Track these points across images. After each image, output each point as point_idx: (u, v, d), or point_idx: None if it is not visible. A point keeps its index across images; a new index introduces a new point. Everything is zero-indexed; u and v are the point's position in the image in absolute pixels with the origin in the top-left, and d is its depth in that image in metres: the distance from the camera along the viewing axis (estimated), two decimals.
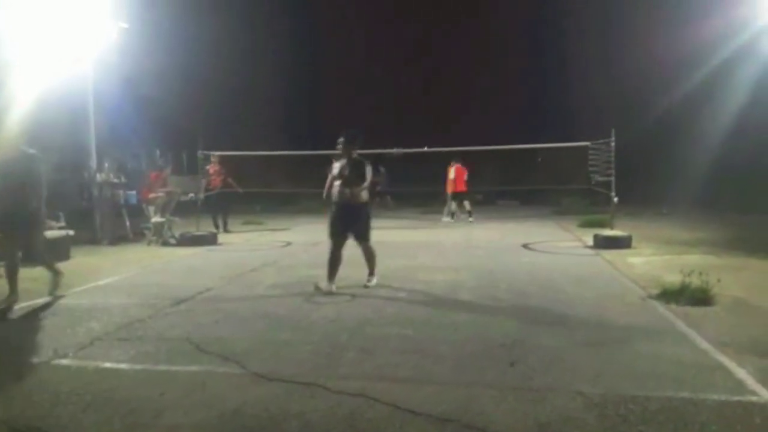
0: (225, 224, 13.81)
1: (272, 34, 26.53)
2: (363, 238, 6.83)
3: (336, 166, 6.79)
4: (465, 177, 16.42)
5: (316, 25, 31.18)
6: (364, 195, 6.67)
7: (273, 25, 26.47)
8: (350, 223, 6.69)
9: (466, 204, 16.50)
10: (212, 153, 13.56)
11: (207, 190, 13.25)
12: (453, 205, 16.61)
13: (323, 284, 6.57)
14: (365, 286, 6.76)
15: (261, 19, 26.33)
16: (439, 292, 6.64)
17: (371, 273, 6.93)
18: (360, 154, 6.76)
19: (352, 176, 6.57)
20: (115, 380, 3.93)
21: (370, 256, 6.91)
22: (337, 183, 6.66)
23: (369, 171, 6.70)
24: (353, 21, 30.52)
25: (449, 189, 16.53)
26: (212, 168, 13.61)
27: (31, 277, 7.91)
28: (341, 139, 6.72)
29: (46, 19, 10.45)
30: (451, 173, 16.36)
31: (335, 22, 30.75)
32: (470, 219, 16.15)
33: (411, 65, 31.11)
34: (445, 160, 16.74)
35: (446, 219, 16.47)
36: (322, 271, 7.97)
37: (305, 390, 3.64)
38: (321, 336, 4.88)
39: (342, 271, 8.06)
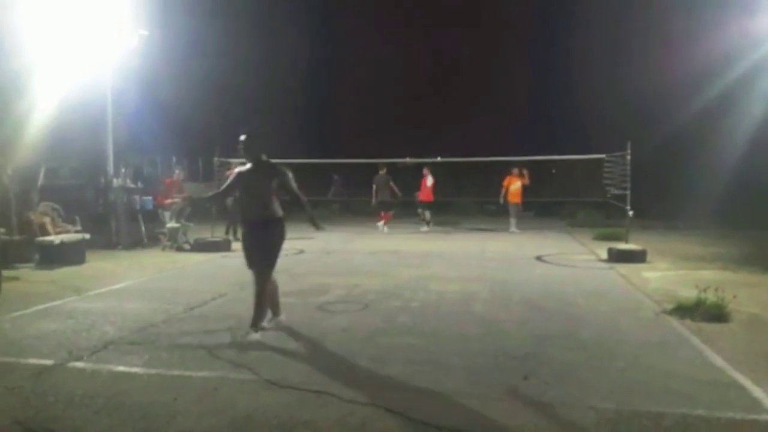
0: (235, 231, 13.69)
1: (287, 43, 26.73)
2: (266, 262, 5.15)
3: (239, 173, 5.33)
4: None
5: (331, 34, 31.42)
6: (278, 210, 5.20)
7: (288, 35, 26.67)
8: (259, 243, 5.14)
9: (428, 214, 16.52)
10: (230, 160, 13.60)
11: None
12: (425, 213, 16.59)
13: (265, 323, 5.24)
14: (248, 336, 5.00)
15: (277, 28, 26.58)
16: (452, 303, 6.62)
17: (258, 320, 5.10)
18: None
19: (265, 184, 5.12)
20: (128, 384, 3.96)
21: (262, 292, 5.13)
22: (242, 195, 5.27)
23: (292, 178, 5.22)
24: (367, 31, 30.68)
25: (422, 197, 16.39)
26: (231, 174, 13.59)
27: (49, 279, 8.06)
28: (243, 138, 5.19)
29: (68, 25, 10.61)
30: (429, 181, 16.25)
31: (350, 33, 30.96)
32: (427, 229, 16.28)
33: (426, 75, 31.24)
34: (457, 170, 16.70)
35: (514, 230, 15.88)
36: (334, 280, 8.07)
37: (316, 398, 3.65)
38: (333, 344, 4.89)
39: (354, 279, 8.13)
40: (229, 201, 13.31)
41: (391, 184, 16.00)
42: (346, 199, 23.38)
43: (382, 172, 16.00)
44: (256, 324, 5.06)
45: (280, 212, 5.20)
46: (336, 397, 3.65)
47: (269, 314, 5.39)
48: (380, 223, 16.10)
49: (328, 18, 31.42)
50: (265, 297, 5.16)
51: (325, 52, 30.94)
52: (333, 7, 31.34)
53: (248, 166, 5.24)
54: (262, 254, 5.12)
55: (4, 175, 4.98)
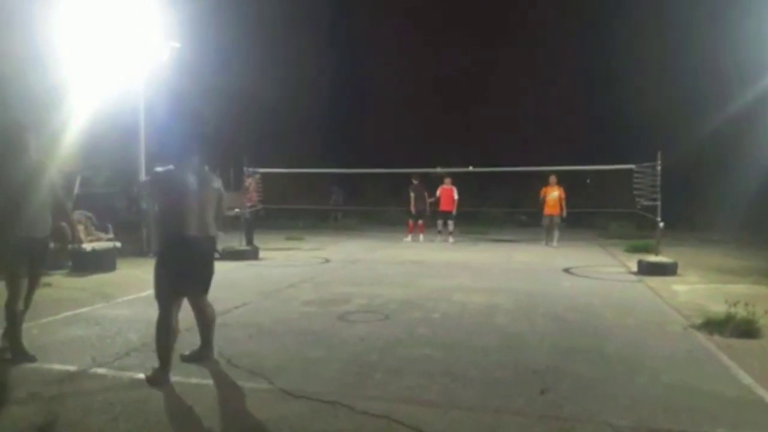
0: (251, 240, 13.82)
1: (316, 52, 26.97)
2: (205, 289, 4.57)
3: (167, 178, 4.44)
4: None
5: (360, 43, 31.56)
6: (216, 227, 4.54)
7: (317, 44, 26.92)
8: (196, 269, 4.42)
9: (450, 224, 16.22)
10: (257, 170, 13.76)
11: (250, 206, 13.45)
12: (447, 225, 16.32)
13: (149, 374, 4.23)
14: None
15: (305, 38, 26.84)
16: (474, 315, 6.56)
17: (206, 344, 4.66)
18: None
19: (216, 198, 4.50)
20: (147, 391, 4.02)
21: (208, 319, 4.62)
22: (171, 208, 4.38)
23: (222, 192, 4.61)
24: (397, 40, 30.79)
25: (442, 207, 16.07)
26: (254, 184, 13.75)
27: (80, 286, 8.25)
28: (187, 136, 4.64)
29: (102, 38, 10.90)
30: (456, 193, 15.96)
31: (379, 41, 31.07)
32: (449, 240, 16.02)
33: (457, 85, 31.14)
34: (486, 180, 16.53)
35: (554, 244, 15.04)
36: (357, 289, 8.07)
37: (330, 409, 3.65)
38: (351, 355, 4.89)
39: (376, 288, 8.12)
40: (247, 212, 13.38)
41: (425, 193, 16.22)
42: (345, 209, 23.86)
43: (416, 182, 16.16)
44: (208, 343, 4.64)
45: (215, 231, 4.53)
46: (349, 409, 3.64)
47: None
48: (412, 235, 16.32)
49: (354, 28, 31.59)
50: (211, 318, 4.63)
51: (351, 62, 31.03)
52: (360, 17, 31.51)
53: (182, 170, 4.38)
54: (202, 279, 4.50)
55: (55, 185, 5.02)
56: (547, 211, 15.22)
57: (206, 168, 4.69)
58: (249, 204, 13.26)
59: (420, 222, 16.41)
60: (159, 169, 4.44)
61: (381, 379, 4.28)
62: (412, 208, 16.30)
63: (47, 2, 10.30)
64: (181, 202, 4.28)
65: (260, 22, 23.64)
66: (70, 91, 10.86)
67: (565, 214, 15.25)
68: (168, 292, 4.28)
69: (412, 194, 16.16)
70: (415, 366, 4.58)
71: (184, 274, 4.29)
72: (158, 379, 4.14)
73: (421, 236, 16.23)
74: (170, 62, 12.11)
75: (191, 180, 4.34)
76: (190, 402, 3.81)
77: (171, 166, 4.38)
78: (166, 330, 4.23)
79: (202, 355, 4.63)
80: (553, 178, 15.20)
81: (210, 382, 4.21)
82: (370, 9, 30.57)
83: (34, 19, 10.35)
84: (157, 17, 11.39)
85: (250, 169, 13.19)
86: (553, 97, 28.49)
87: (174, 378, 4.25)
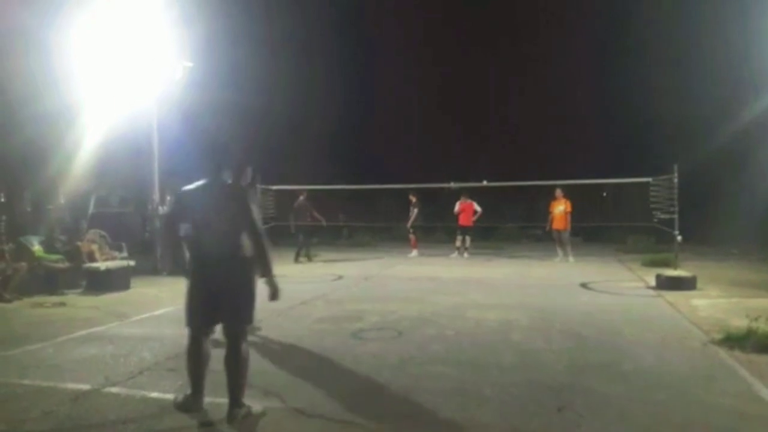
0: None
1: (325, 68, 27.11)
2: (240, 322, 4.01)
3: (188, 197, 4.09)
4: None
5: (370, 57, 31.83)
6: (249, 248, 4.00)
7: (325, 60, 27.06)
8: (222, 295, 3.93)
9: (467, 239, 16.22)
10: (271, 187, 13.86)
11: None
12: (463, 240, 16.22)
13: (179, 396, 4.15)
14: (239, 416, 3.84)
15: (313, 53, 27.05)
16: (489, 332, 6.47)
17: (235, 400, 3.88)
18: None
19: (238, 216, 3.96)
20: (159, 410, 4.00)
21: (239, 363, 3.93)
22: (196, 227, 4.04)
23: (257, 209, 4.08)
24: (408, 53, 30.98)
25: (462, 222, 16.07)
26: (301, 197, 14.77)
27: (94, 305, 8.27)
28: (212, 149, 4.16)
29: (116, 59, 11.04)
30: (477, 206, 15.99)
31: (389, 55, 31.32)
32: (464, 255, 15.96)
33: (471, 99, 31.23)
34: (500, 194, 16.48)
35: (570, 259, 14.73)
36: (370, 306, 8.02)
37: (341, 428, 3.61)
38: (363, 372, 4.84)
39: (390, 305, 8.05)
40: (293, 226, 14.17)
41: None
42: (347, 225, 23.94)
43: (416, 199, 16.32)
44: (237, 399, 3.89)
45: (249, 252, 4.04)
46: (361, 428, 3.60)
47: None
48: (415, 251, 16.56)
49: (366, 42, 31.81)
50: (243, 362, 3.96)
51: (362, 78, 31.20)
52: (372, 31, 31.77)
53: (213, 187, 4.04)
54: (234, 308, 3.98)
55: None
56: (554, 225, 14.99)
57: (238, 183, 4.38)
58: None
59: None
60: (187, 187, 4.07)
61: (394, 397, 4.22)
62: (412, 223, 16.58)
63: (62, 24, 10.47)
64: (202, 221, 3.95)
65: (271, 40, 23.88)
66: (85, 111, 11.01)
67: (569, 227, 14.94)
68: (191, 318, 3.97)
69: (416, 210, 16.28)
70: (428, 384, 4.52)
71: (208, 299, 3.90)
72: (185, 404, 3.99)
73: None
74: (183, 81, 12.21)
75: (216, 196, 3.98)
76: (201, 420, 3.78)
77: (199, 183, 4.03)
78: (191, 357, 4.01)
79: (229, 414, 3.83)
80: (558, 192, 14.82)
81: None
82: (381, 27, 30.87)
83: (49, 41, 10.53)
84: (169, 37, 11.52)
85: (265, 187, 13.30)
86: (568, 111, 28.39)
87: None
